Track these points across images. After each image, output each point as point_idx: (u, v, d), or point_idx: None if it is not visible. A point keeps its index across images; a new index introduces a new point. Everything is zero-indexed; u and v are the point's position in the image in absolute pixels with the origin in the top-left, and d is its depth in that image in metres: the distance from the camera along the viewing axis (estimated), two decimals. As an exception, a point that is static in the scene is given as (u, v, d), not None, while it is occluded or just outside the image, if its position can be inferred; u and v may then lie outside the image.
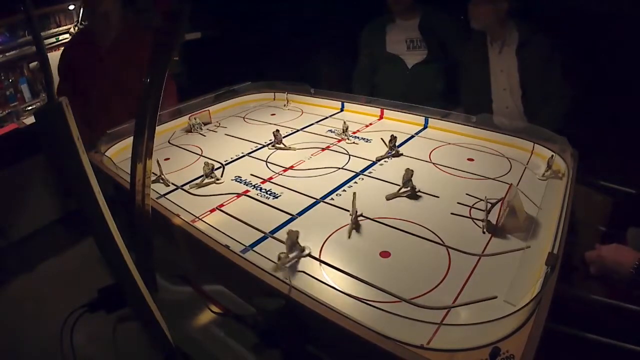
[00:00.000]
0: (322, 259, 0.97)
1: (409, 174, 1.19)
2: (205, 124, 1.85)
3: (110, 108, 1.97)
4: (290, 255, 0.95)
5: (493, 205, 1.09)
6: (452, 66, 2.14)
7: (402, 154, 1.46)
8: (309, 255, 0.98)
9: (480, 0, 1.73)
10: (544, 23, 1.80)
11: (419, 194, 1.21)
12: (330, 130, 1.72)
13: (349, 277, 0.91)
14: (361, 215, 1.12)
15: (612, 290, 1.00)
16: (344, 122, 1.64)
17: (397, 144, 1.47)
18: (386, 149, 1.47)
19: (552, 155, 1.29)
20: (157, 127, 0.87)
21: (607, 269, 0.90)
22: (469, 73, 2.02)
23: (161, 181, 1.36)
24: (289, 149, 1.57)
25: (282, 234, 1.07)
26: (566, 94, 1.76)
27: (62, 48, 2.21)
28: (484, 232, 1.03)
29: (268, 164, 1.47)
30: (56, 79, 2.01)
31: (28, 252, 2.33)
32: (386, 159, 1.44)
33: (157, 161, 1.37)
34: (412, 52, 2.16)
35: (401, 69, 2.18)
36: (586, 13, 1.88)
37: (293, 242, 0.95)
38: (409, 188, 1.21)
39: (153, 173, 1.34)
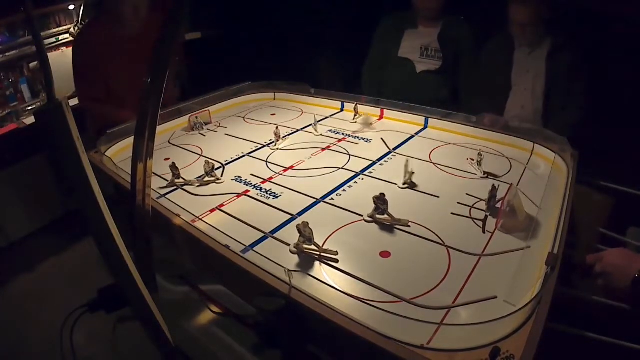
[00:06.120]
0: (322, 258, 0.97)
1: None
2: (205, 124, 1.85)
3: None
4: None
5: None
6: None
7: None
8: (333, 259, 0.97)
9: (524, 6, 1.73)
10: (574, 31, 1.80)
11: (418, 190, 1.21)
12: (331, 130, 1.72)
13: (349, 277, 0.91)
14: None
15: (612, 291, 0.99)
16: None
17: (397, 144, 1.46)
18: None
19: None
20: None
21: (610, 273, 0.89)
22: (485, 68, 1.97)
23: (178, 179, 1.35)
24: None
25: (282, 234, 1.07)
26: (583, 105, 1.76)
27: (70, 46, 2.10)
28: (484, 232, 1.04)
29: (268, 164, 1.47)
30: (60, 77, 1.99)
31: (28, 252, 2.34)
32: (386, 160, 1.44)
33: (174, 163, 1.36)
34: (425, 59, 2.11)
35: (409, 72, 2.14)
36: (585, 13, 1.88)
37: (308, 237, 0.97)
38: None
39: (173, 172, 1.34)
